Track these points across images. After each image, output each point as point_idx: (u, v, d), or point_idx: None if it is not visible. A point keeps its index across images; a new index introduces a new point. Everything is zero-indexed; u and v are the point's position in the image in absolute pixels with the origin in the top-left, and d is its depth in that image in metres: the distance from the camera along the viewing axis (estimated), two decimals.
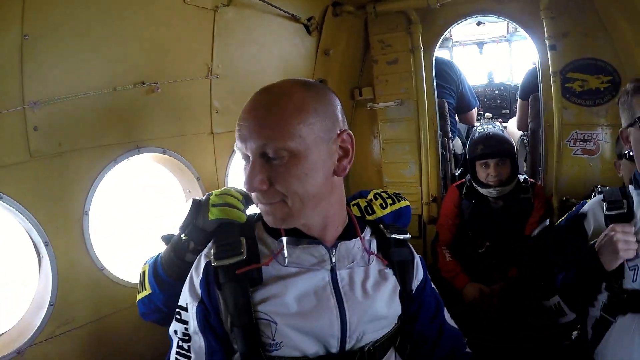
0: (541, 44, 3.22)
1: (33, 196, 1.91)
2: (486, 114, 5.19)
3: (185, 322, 1.41)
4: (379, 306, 1.43)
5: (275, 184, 1.26)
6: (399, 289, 1.50)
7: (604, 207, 1.90)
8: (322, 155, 1.29)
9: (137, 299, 1.98)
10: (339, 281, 1.39)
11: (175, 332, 1.42)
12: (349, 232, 1.45)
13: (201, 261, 1.44)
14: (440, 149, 3.59)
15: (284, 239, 1.37)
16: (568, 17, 3.13)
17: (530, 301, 2.51)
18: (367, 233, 1.53)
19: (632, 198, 1.87)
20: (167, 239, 1.88)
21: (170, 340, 1.46)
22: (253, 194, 1.31)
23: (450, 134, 3.78)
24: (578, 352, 2.09)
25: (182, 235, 1.72)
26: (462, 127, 4.54)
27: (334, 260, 1.39)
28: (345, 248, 1.42)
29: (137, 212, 2.57)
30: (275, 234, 1.41)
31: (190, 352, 1.39)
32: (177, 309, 1.44)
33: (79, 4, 1.96)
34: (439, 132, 3.58)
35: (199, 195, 2.55)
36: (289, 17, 3.00)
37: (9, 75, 1.78)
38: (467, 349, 1.72)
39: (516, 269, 2.95)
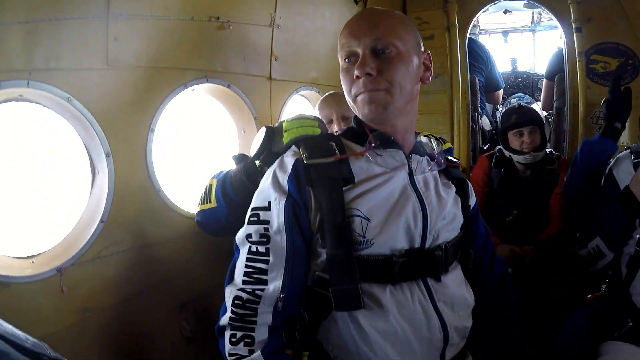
0: (568, 27, 3.25)
1: (102, 105, 1.79)
2: (511, 99, 5.22)
3: (266, 222, 1.32)
4: (449, 206, 1.46)
5: (383, 73, 1.33)
6: (460, 201, 1.52)
7: (632, 158, 2.09)
8: (415, 61, 1.40)
9: (199, 208, 1.95)
10: (416, 182, 1.40)
11: (249, 236, 1.33)
12: (418, 151, 1.50)
13: (286, 161, 1.38)
14: (470, 122, 3.58)
15: (371, 136, 1.39)
16: (593, 3, 3.16)
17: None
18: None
19: None
20: (238, 158, 1.87)
21: (236, 251, 1.37)
22: (358, 84, 1.35)
23: (479, 110, 3.80)
24: (608, 301, 2.09)
25: (257, 162, 1.71)
26: (488, 107, 4.55)
27: (410, 165, 1.43)
28: (417, 159, 1.47)
29: (190, 146, 2.52)
30: (361, 142, 1.43)
31: (268, 255, 1.30)
32: (253, 211, 1.35)
33: None
34: (469, 106, 3.57)
35: (254, 137, 2.52)
36: None
37: None
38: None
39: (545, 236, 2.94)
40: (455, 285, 1.44)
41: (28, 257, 1.74)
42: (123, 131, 1.90)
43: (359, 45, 1.34)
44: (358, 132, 1.45)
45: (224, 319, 1.31)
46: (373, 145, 1.38)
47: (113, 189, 1.85)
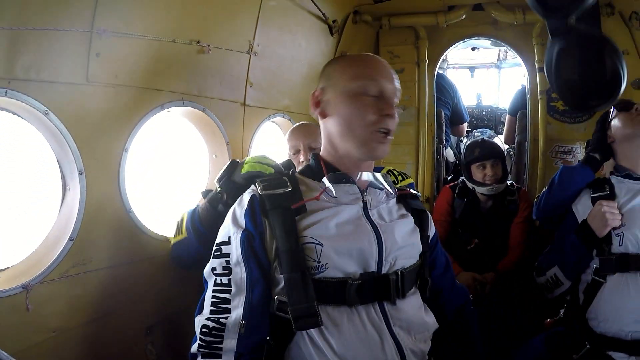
0: (531, 67, 3.46)
1: (79, 121, 1.78)
2: (475, 132, 5.41)
3: (227, 255, 1.41)
4: (406, 235, 1.52)
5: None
6: (418, 231, 1.58)
7: (591, 192, 2.19)
8: None
9: (173, 242, 2.07)
10: (370, 215, 1.48)
11: (214, 269, 1.41)
12: (374, 185, 1.55)
13: (244, 197, 1.47)
14: (435, 153, 3.69)
15: (325, 178, 1.47)
16: None
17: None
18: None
19: (613, 184, 2.15)
20: (205, 193, 2.07)
21: (205, 285, 1.44)
22: (387, 121, 1.44)
23: (444, 142, 3.93)
24: (567, 325, 2.18)
25: (218, 187, 1.91)
26: (452, 139, 4.70)
27: (365, 199, 1.49)
28: (373, 193, 1.53)
29: (163, 168, 2.50)
30: (315, 178, 1.52)
31: (230, 286, 1.38)
32: (217, 247, 1.44)
33: None
34: (435, 138, 3.69)
35: (226, 160, 2.54)
36: (319, 16, 3.07)
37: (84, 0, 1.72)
38: (472, 307, 1.82)
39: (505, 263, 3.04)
40: (412, 310, 1.49)
41: None
42: (97, 149, 1.89)
43: (384, 86, 1.45)
44: (315, 170, 1.54)
45: (194, 347, 1.38)
46: (326, 187, 1.45)
47: (84, 207, 1.82)
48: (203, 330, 1.37)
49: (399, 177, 2.37)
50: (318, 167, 1.53)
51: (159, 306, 2.24)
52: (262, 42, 2.64)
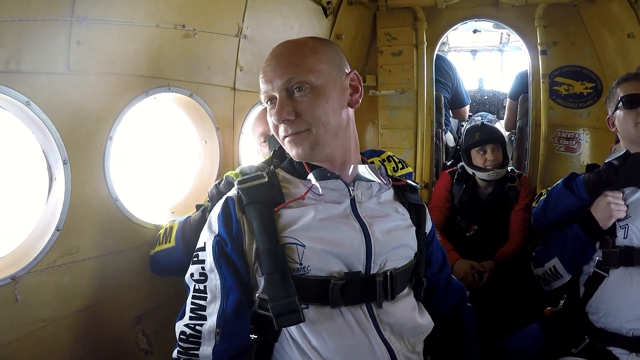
0: (533, 50, 3.44)
1: (61, 111, 1.81)
2: (475, 117, 5.41)
3: (202, 262, 1.44)
4: (400, 234, 1.51)
5: (302, 115, 1.38)
6: (414, 229, 1.57)
7: None
8: (337, 88, 1.44)
9: (155, 250, 2.09)
10: (359, 212, 1.46)
11: (192, 275, 1.45)
12: (363, 178, 1.52)
13: (220, 201, 1.49)
14: (434, 138, 3.71)
15: (311, 174, 1.44)
16: (559, 27, 3.37)
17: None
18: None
19: None
20: (199, 207, 2.08)
21: (187, 289, 1.47)
22: (281, 128, 1.42)
23: (444, 126, 3.94)
24: (566, 317, 2.20)
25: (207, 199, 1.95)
26: (453, 124, 4.71)
27: (352, 194, 1.47)
28: (362, 186, 1.50)
29: (151, 156, 2.53)
30: (298, 177, 1.51)
31: (206, 292, 1.42)
32: (195, 253, 1.47)
33: None
34: (434, 122, 3.70)
35: (216, 146, 2.59)
36: None
37: None
38: (469, 304, 1.82)
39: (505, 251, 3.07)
40: (404, 312, 1.49)
41: None
42: (81, 138, 1.92)
43: (274, 89, 1.40)
44: (297, 168, 1.54)
45: (175, 352, 1.44)
46: (312, 185, 1.43)
47: (70, 196, 1.87)
48: (181, 336, 1.42)
49: (399, 165, 2.36)
50: (299, 164, 1.52)
51: (149, 295, 2.29)
52: (251, 25, 2.65)
